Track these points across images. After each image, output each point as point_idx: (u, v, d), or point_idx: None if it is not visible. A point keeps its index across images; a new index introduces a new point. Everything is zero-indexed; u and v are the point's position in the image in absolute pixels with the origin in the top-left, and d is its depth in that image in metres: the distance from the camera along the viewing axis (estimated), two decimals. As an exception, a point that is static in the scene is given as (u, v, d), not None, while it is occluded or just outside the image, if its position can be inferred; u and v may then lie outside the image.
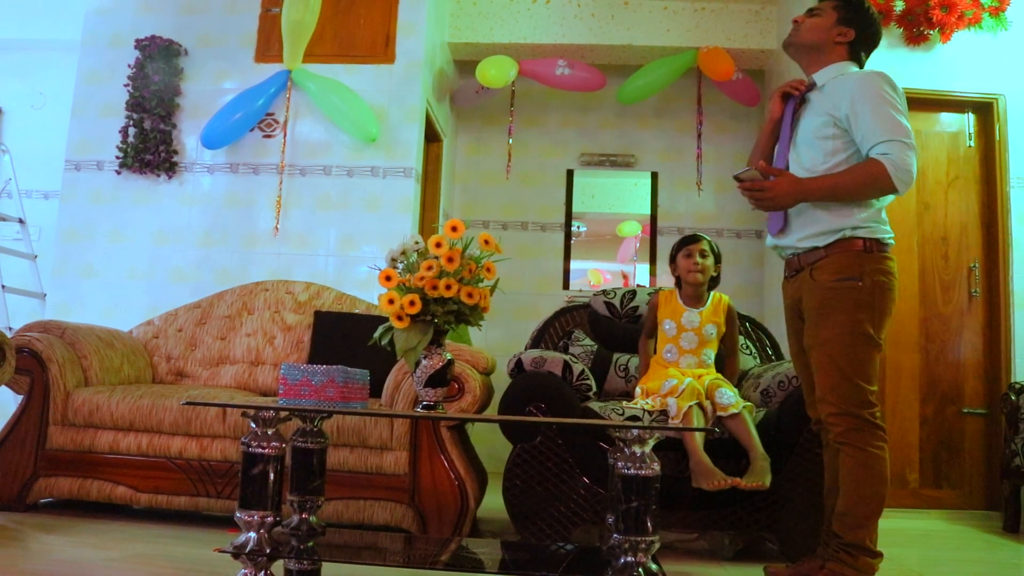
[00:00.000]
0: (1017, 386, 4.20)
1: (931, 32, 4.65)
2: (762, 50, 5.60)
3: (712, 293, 3.54)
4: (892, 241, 2.59)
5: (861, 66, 2.72)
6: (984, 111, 4.74)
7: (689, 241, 3.53)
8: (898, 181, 2.43)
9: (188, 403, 2.25)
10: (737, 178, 2.63)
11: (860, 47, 2.71)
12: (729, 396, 3.12)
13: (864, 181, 2.48)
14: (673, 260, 3.59)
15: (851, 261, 2.52)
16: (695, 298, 3.51)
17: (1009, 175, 4.64)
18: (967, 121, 4.78)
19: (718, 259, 3.55)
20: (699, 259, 3.46)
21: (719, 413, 3.11)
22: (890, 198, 2.58)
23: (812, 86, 2.71)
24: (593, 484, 3.16)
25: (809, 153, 2.63)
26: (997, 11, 4.67)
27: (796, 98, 2.74)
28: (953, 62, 4.68)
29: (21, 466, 3.42)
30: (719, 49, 5.49)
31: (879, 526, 2.49)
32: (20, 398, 3.53)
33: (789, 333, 2.80)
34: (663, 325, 3.53)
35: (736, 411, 3.08)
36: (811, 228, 2.59)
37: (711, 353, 3.48)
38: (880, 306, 2.52)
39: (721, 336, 3.51)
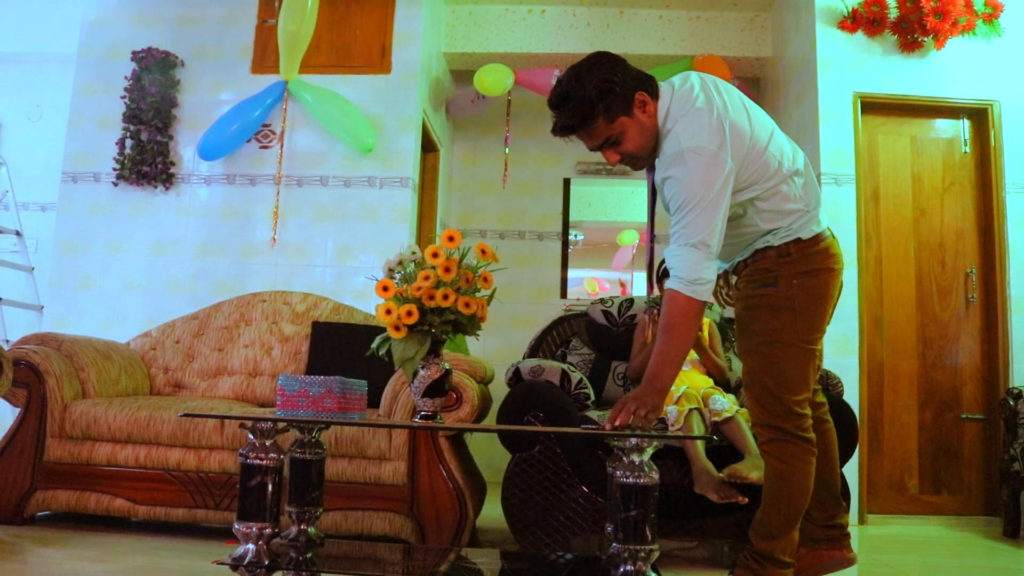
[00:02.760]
0: (1015, 391, 4.21)
1: (925, 39, 4.66)
2: (757, 58, 5.62)
3: None
4: (820, 228, 2.38)
5: (657, 94, 2.37)
6: (979, 117, 4.75)
7: None
8: (695, 294, 2.21)
9: (186, 415, 2.25)
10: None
11: (641, 91, 2.33)
12: (723, 402, 3.17)
13: (672, 333, 2.24)
14: (659, 282, 3.69)
15: (765, 267, 2.37)
16: None
17: (1005, 180, 4.65)
18: (962, 127, 4.80)
19: None
20: None
21: (714, 419, 3.13)
22: (818, 204, 2.40)
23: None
24: (592, 493, 3.15)
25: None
26: (991, 18, 4.69)
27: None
28: (948, 69, 4.70)
29: (18, 479, 3.41)
30: (713, 56, 5.50)
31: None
32: (17, 411, 3.52)
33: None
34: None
35: (730, 415, 3.11)
36: (729, 254, 2.52)
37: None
38: (802, 307, 2.32)
39: (708, 343, 3.64)
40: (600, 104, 2.26)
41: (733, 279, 2.58)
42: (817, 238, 2.37)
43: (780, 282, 2.34)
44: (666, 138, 2.34)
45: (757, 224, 2.38)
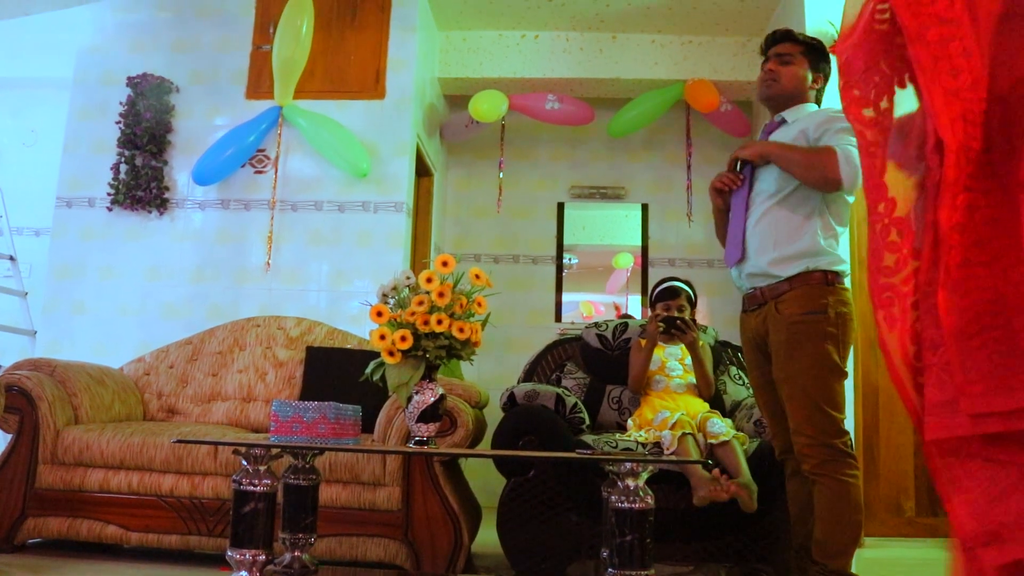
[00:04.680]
0: (1009, 413, 4.20)
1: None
2: (749, 81, 5.66)
3: None
4: (848, 271, 2.68)
5: (823, 89, 2.86)
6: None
7: (667, 295, 3.70)
8: (844, 173, 2.51)
9: (179, 441, 2.24)
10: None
11: (821, 93, 2.85)
12: (720, 426, 3.17)
13: (813, 160, 2.57)
14: (652, 306, 3.74)
15: (815, 294, 2.58)
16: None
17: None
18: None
19: (694, 304, 3.75)
20: (676, 313, 3.62)
21: (710, 441, 3.13)
22: (844, 231, 2.69)
23: (782, 122, 2.83)
24: (587, 518, 3.14)
25: (770, 176, 2.71)
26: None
27: (751, 166, 2.79)
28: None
29: (9, 506, 3.39)
30: (704, 80, 5.55)
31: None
32: (9, 437, 3.50)
33: (751, 367, 2.86)
34: None
35: (726, 439, 3.11)
36: (769, 253, 2.65)
37: (694, 378, 3.64)
38: (844, 337, 2.58)
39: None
40: (807, 45, 2.80)
41: (745, 285, 2.77)
42: (842, 276, 2.64)
43: (829, 310, 2.55)
44: (809, 112, 2.77)
45: (815, 228, 2.62)
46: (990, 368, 1.17)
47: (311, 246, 4.90)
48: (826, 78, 2.80)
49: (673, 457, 3.06)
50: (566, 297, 6.11)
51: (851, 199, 2.70)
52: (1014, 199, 1.17)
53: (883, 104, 1.41)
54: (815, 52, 2.80)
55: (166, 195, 5.00)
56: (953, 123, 1.23)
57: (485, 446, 3.69)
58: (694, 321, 3.60)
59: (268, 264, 4.86)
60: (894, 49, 1.37)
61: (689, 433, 3.12)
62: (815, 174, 2.57)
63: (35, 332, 5.24)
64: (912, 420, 1.30)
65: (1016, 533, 1.12)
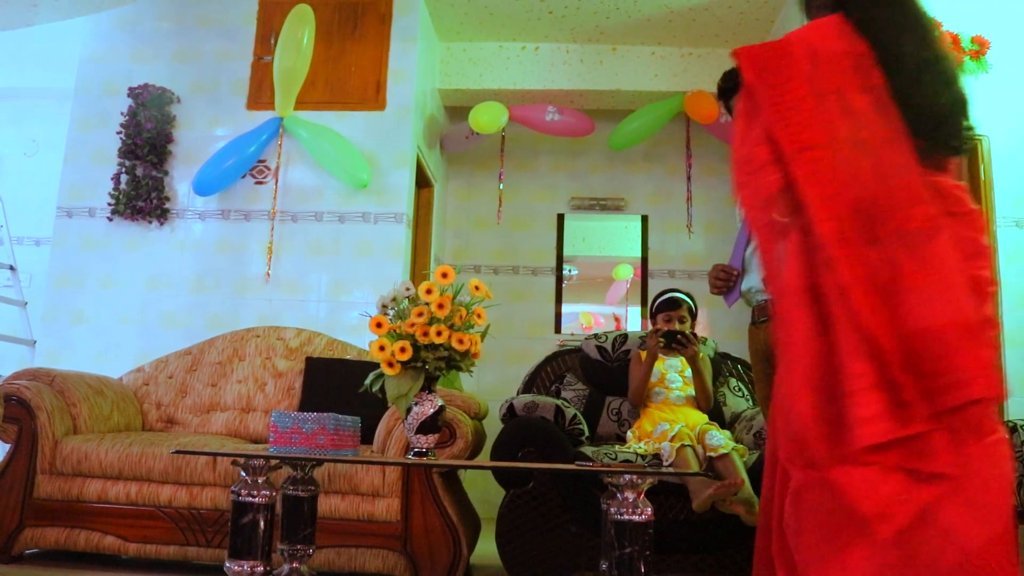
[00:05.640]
0: (1010, 424, 4.20)
1: (914, 76, 4.71)
2: (749, 94, 5.67)
3: None
4: None
5: None
6: (969, 152, 4.79)
7: (668, 306, 3.71)
8: None
9: (178, 451, 2.23)
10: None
11: None
12: (719, 438, 3.16)
13: None
14: (653, 317, 3.74)
15: None
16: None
17: (995, 215, 4.68)
18: (952, 163, 4.84)
19: (695, 316, 3.76)
20: (677, 325, 3.64)
21: (709, 454, 3.13)
22: None
23: None
24: (587, 530, 3.13)
25: None
26: (978, 55, 4.74)
27: None
28: (937, 105, 4.75)
29: (7, 516, 3.38)
30: (704, 92, 5.56)
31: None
32: (7, 447, 3.49)
33: (759, 379, 2.83)
34: None
35: (726, 451, 3.10)
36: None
37: (694, 390, 3.64)
38: None
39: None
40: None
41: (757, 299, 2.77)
42: None
43: None
44: None
45: None
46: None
47: (311, 256, 4.90)
48: None
49: (672, 469, 3.05)
50: (566, 308, 6.11)
51: None
52: (881, 275, 1.68)
53: (777, 192, 1.80)
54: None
55: (166, 205, 5.00)
56: (829, 219, 1.72)
57: (484, 457, 3.69)
58: (694, 334, 3.60)
59: (268, 274, 4.86)
60: (777, 157, 1.81)
61: (688, 445, 3.12)
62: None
63: (35, 341, 5.24)
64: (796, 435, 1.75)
65: (896, 508, 1.64)
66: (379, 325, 2.34)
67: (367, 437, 3.36)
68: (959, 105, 1.90)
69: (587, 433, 3.58)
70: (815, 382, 1.71)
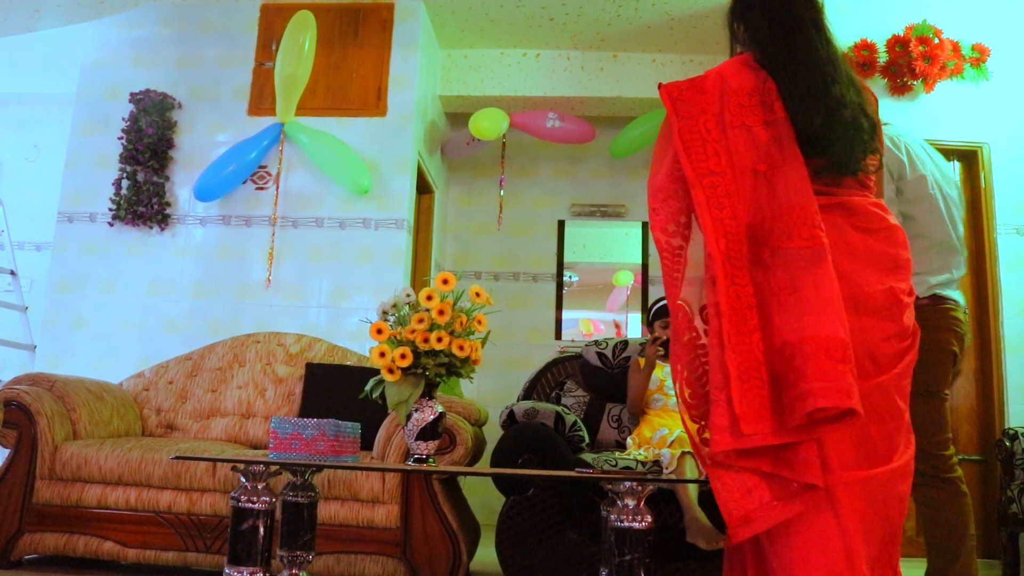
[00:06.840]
0: (1011, 432, 4.20)
1: (915, 82, 4.73)
2: (749, 101, 5.68)
3: None
4: None
5: None
6: (969, 159, 4.80)
7: (666, 314, 3.67)
8: None
9: (177, 457, 2.23)
10: None
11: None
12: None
13: None
14: (651, 325, 3.77)
15: None
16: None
17: (996, 222, 4.69)
18: (953, 169, 4.84)
19: None
20: None
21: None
22: None
23: None
24: (586, 537, 3.13)
25: None
26: (978, 62, 4.76)
27: None
28: (937, 111, 4.76)
29: (6, 521, 3.37)
30: (707, 100, 5.56)
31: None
32: (7, 452, 3.49)
33: None
34: None
35: None
36: None
37: None
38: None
39: None
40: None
41: None
42: None
43: None
44: None
45: None
46: (755, 403, 1.80)
47: (312, 262, 4.91)
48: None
49: (673, 476, 3.04)
50: (566, 315, 6.11)
51: None
52: (762, 293, 1.87)
53: (682, 219, 2.01)
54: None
55: (167, 211, 5.01)
56: (718, 240, 1.90)
57: (484, 464, 3.69)
58: None
59: (269, 280, 4.86)
60: (684, 187, 1.99)
61: (688, 452, 3.11)
62: None
63: (35, 346, 5.24)
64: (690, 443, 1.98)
65: (760, 514, 1.78)
66: (379, 331, 2.34)
67: (367, 443, 3.36)
68: (852, 129, 1.99)
69: (587, 440, 3.57)
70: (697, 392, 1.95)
